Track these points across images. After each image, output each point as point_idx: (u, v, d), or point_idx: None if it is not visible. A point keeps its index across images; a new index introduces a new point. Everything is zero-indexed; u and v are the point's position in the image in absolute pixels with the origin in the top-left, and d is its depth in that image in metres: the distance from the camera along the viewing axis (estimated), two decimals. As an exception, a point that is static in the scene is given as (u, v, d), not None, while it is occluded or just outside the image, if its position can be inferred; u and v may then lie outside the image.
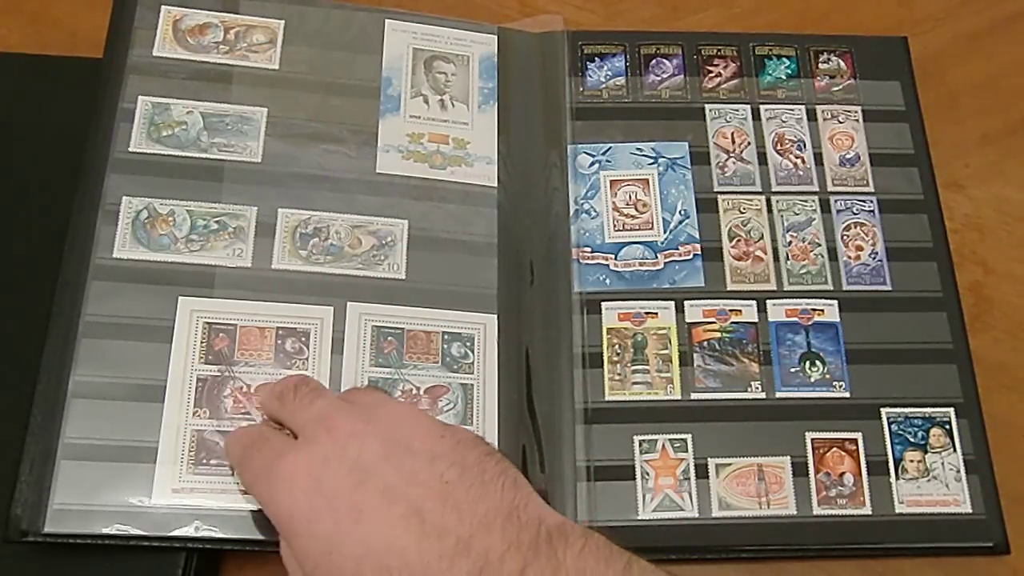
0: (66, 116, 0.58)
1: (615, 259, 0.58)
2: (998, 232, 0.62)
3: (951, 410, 0.54)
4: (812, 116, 0.61)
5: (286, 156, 0.57)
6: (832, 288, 0.57)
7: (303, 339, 0.53)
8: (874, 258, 0.57)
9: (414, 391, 0.53)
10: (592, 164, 0.60)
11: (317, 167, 0.57)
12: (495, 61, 0.62)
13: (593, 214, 0.59)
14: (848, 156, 0.60)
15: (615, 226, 0.58)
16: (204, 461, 0.50)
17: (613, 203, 0.59)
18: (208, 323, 0.52)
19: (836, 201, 0.59)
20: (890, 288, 0.57)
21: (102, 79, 0.57)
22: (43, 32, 0.64)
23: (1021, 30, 0.68)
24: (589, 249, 0.58)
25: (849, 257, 0.57)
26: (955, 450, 0.54)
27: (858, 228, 0.58)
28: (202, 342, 0.52)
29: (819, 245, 0.58)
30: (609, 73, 0.62)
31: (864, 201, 0.59)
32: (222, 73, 0.58)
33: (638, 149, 0.60)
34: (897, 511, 0.52)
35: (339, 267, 0.55)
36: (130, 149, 0.55)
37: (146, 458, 0.49)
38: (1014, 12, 0.69)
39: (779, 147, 0.60)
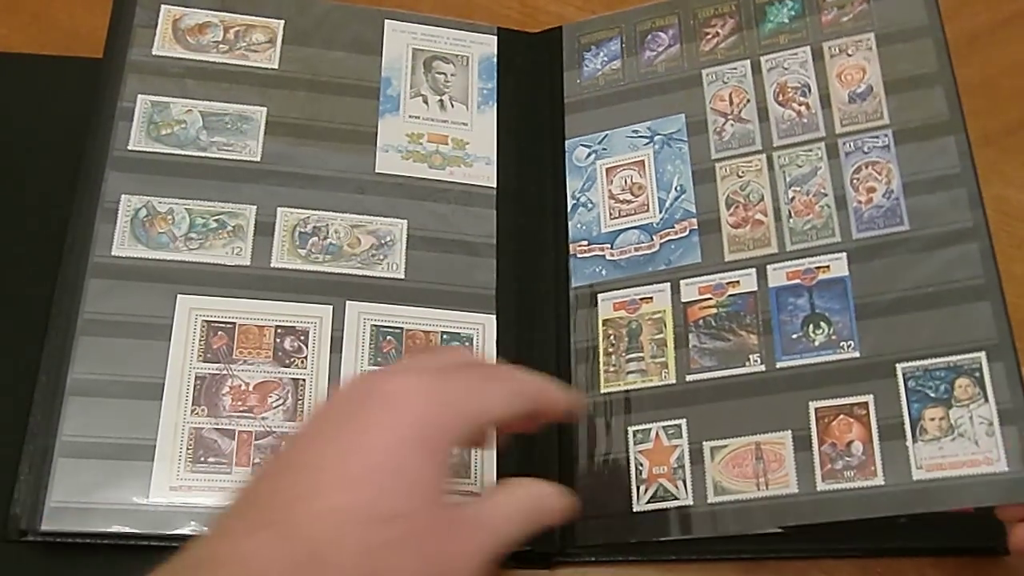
0: (66, 116, 0.58)
1: (611, 248, 0.57)
2: (998, 232, 0.61)
3: (982, 355, 0.48)
4: (818, 56, 0.57)
5: (285, 155, 0.57)
6: (840, 240, 0.53)
7: (302, 338, 0.53)
8: (889, 197, 0.53)
9: (413, 390, 0.53)
10: (589, 155, 0.59)
11: (316, 166, 0.57)
12: (495, 61, 0.62)
13: (590, 206, 0.58)
14: (858, 91, 0.56)
15: (611, 214, 0.58)
16: (202, 459, 0.49)
17: (609, 191, 0.58)
18: (207, 321, 0.52)
19: (845, 143, 0.55)
20: (908, 228, 0.52)
21: (102, 78, 0.57)
22: (43, 32, 0.64)
23: (1021, 30, 0.68)
24: (586, 242, 0.57)
25: (860, 202, 0.53)
26: (986, 400, 0.47)
27: (870, 168, 0.54)
28: (200, 340, 0.52)
29: (825, 195, 0.54)
30: (605, 59, 0.61)
31: (877, 137, 0.54)
32: (222, 72, 0.58)
33: (634, 131, 0.59)
34: (915, 478, 0.47)
35: (338, 266, 0.55)
36: (129, 148, 0.55)
37: (144, 456, 0.49)
38: (1014, 12, 0.68)
39: (781, 98, 0.57)
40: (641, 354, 0.54)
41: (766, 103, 0.57)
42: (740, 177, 0.56)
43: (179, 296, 0.52)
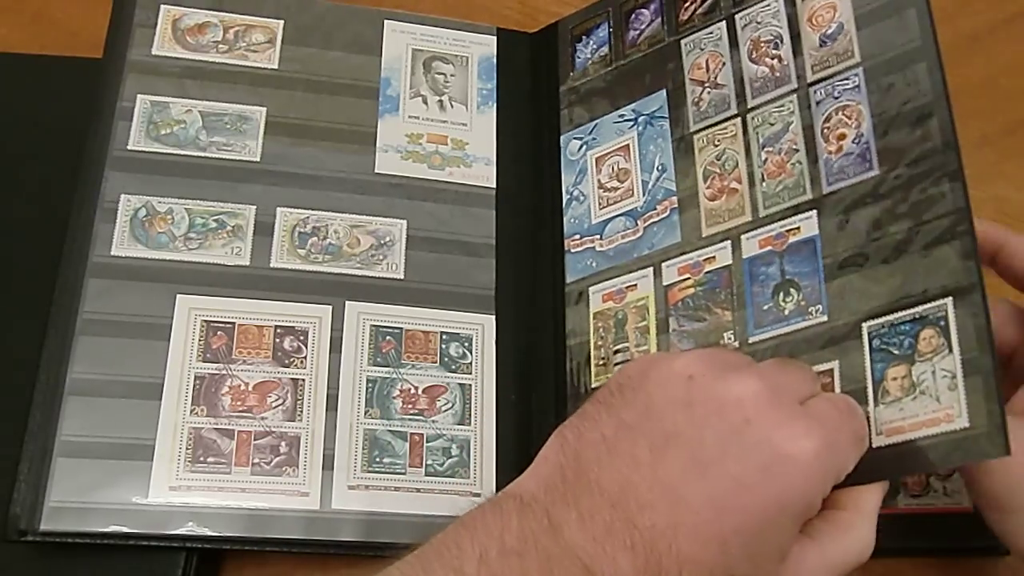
0: (66, 116, 0.58)
1: (600, 239, 0.56)
2: (998, 232, 0.62)
3: (948, 300, 0.43)
4: (791, 2, 0.54)
5: (285, 155, 0.57)
6: (811, 197, 0.49)
7: (301, 338, 0.53)
8: (859, 142, 0.49)
9: (412, 390, 0.53)
10: (580, 147, 0.59)
11: (315, 167, 0.57)
12: (494, 62, 0.62)
13: (582, 198, 0.57)
14: (829, 32, 0.52)
15: (600, 204, 0.57)
16: (201, 459, 0.49)
17: (598, 180, 0.57)
18: (206, 321, 0.52)
19: (816, 91, 0.51)
20: (877, 172, 0.48)
21: (101, 78, 0.57)
22: (43, 32, 0.65)
23: (1021, 30, 0.68)
24: (578, 236, 0.57)
25: (830, 152, 0.49)
26: (951, 350, 0.42)
27: (840, 114, 0.50)
28: (200, 340, 0.52)
29: (797, 151, 0.51)
30: (595, 46, 0.60)
31: (847, 78, 0.50)
32: (221, 72, 0.58)
33: (620, 115, 0.58)
34: (874, 445, 0.43)
35: (338, 266, 0.55)
36: (129, 147, 0.55)
37: (143, 456, 0.49)
38: (1014, 12, 0.68)
39: (754, 55, 0.54)
40: (627, 344, 0.53)
41: (741, 63, 0.55)
42: (716, 146, 0.54)
43: (178, 296, 0.52)
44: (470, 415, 0.53)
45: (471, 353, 0.54)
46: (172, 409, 0.50)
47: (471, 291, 0.56)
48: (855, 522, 0.40)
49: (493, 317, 0.55)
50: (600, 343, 0.54)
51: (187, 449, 0.50)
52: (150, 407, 0.50)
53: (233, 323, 0.53)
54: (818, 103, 0.51)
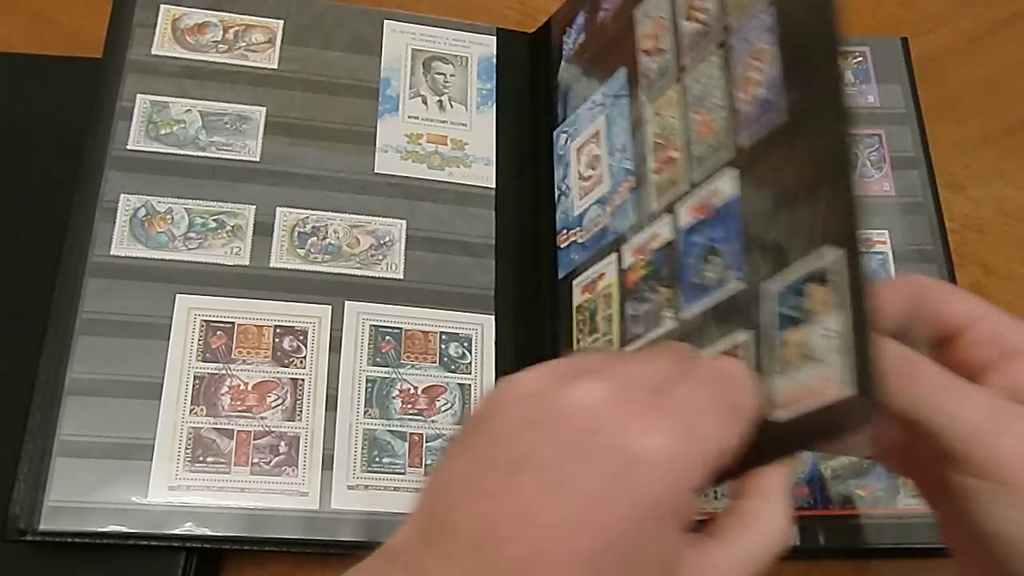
0: (66, 116, 0.58)
1: (580, 230, 0.55)
2: (998, 232, 0.62)
3: (828, 250, 0.36)
4: None
5: (284, 155, 0.57)
6: (734, 155, 0.44)
7: (301, 338, 0.53)
8: (770, 87, 0.42)
9: (412, 390, 0.53)
10: (565, 141, 0.58)
11: (315, 166, 0.57)
12: (494, 62, 0.62)
13: (568, 192, 0.57)
14: None
15: (579, 195, 0.55)
16: (201, 459, 0.49)
17: (578, 171, 0.56)
18: (206, 321, 0.52)
19: (733, 37, 0.45)
20: (787, 117, 0.41)
21: (101, 78, 0.57)
22: (43, 32, 0.65)
23: (1021, 30, 0.68)
24: (565, 231, 0.56)
25: (745, 103, 0.44)
26: (834, 307, 0.36)
27: (751, 59, 0.44)
28: (199, 340, 0.52)
29: (722, 108, 0.45)
30: (575, 35, 0.59)
31: (759, 19, 0.44)
32: (221, 72, 0.58)
33: (592, 102, 0.56)
34: (779, 419, 0.37)
35: (337, 266, 0.55)
36: (128, 147, 0.55)
37: (142, 455, 0.49)
38: (1014, 12, 0.69)
39: (688, 12, 0.49)
40: (597, 334, 0.51)
41: (677, 24, 0.50)
42: (659, 116, 0.50)
43: (178, 296, 0.52)
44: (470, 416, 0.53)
45: (471, 353, 0.54)
46: (171, 409, 0.50)
47: (470, 291, 0.56)
48: (761, 510, 0.36)
49: (492, 317, 0.55)
50: (579, 336, 0.53)
51: (186, 449, 0.50)
52: (149, 407, 0.50)
53: (233, 323, 0.53)
54: (734, 49, 0.45)
